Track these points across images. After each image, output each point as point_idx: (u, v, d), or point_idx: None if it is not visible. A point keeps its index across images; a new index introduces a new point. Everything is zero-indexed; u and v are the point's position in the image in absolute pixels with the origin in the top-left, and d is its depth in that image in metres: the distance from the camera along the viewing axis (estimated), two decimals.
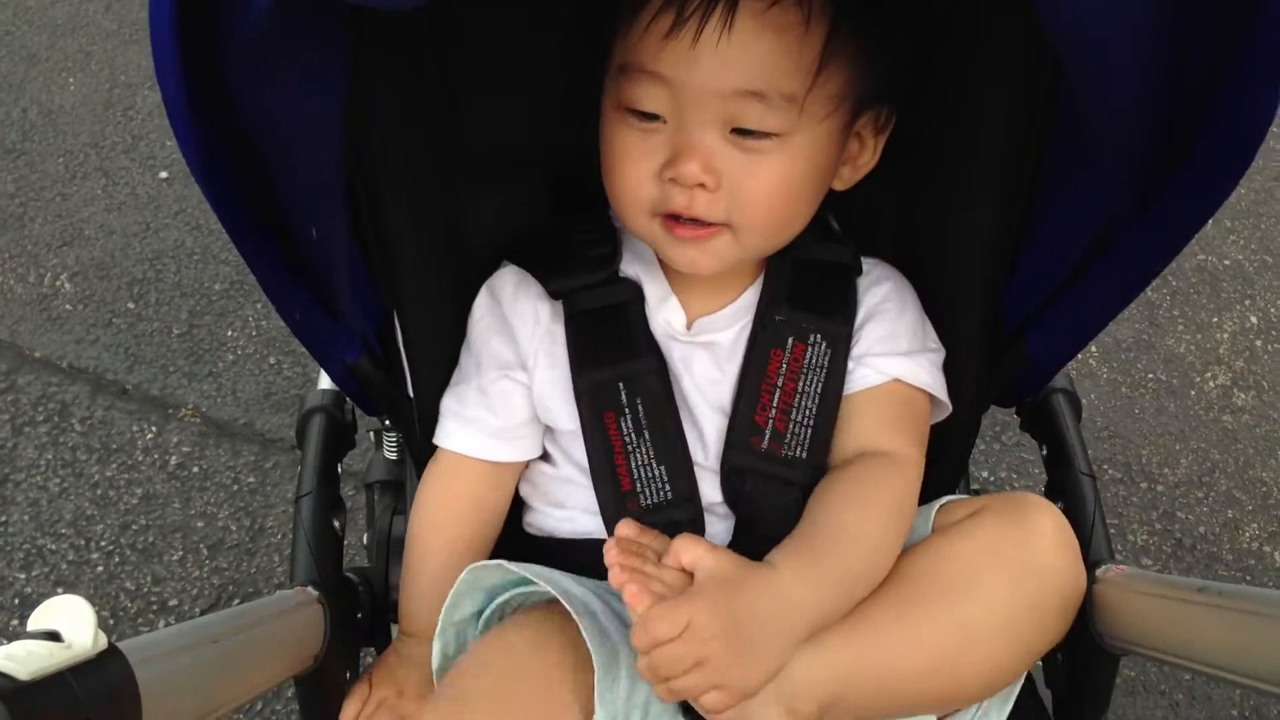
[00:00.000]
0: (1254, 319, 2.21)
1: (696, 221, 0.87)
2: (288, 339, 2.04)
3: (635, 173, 0.88)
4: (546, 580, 0.84)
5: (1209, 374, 2.11)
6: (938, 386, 0.96)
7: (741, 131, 0.84)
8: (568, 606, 0.81)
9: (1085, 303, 0.89)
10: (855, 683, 0.82)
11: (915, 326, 0.97)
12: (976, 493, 1.13)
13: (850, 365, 0.95)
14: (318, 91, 0.71)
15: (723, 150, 0.85)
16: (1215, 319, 2.20)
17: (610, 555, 0.77)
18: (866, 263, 1.00)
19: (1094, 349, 2.11)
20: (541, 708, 0.79)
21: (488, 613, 0.91)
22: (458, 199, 1.01)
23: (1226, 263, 2.30)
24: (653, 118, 0.85)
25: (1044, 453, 1.03)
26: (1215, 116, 0.70)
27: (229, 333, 2.08)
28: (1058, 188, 0.88)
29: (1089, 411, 2.01)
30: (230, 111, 0.70)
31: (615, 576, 0.76)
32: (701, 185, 0.85)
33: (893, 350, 0.95)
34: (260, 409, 1.97)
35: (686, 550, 0.79)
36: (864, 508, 0.86)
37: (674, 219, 0.88)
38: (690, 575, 0.78)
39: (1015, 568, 0.82)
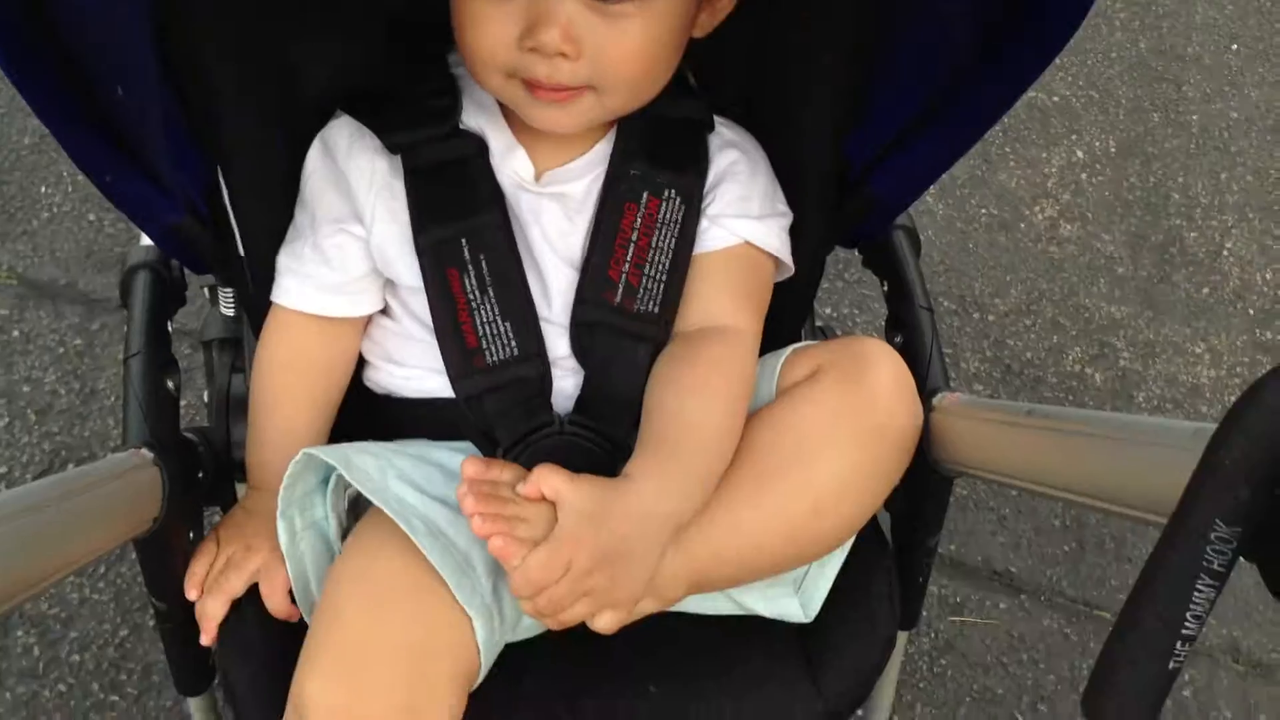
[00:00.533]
0: (1080, 153, 2.28)
1: (560, 87, 0.85)
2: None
3: (490, 41, 0.84)
4: (379, 496, 0.82)
5: (1037, 207, 2.19)
6: (784, 251, 0.97)
7: None
8: (404, 527, 0.79)
9: (930, 147, 0.90)
10: (716, 563, 0.85)
11: (767, 190, 0.97)
12: (821, 330, 1.16)
13: (704, 224, 0.94)
14: None
15: (583, 16, 0.82)
16: (1044, 154, 2.27)
17: (466, 505, 0.76)
18: (719, 121, 0.99)
19: (932, 188, 2.15)
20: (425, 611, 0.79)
21: (333, 481, 0.90)
22: (286, 50, 0.94)
23: (1055, 99, 2.36)
24: None
25: (884, 288, 1.06)
26: None
27: (42, 189, 1.94)
28: (904, 31, 0.87)
29: (927, 247, 2.05)
30: None
31: (478, 528, 0.75)
32: (563, 54, 0.82)
33: (745, 213, 0.95)
34: (82, 268, 1.85)
35: (546, 481, 0.78)
36: (706, 397, 0.87)
37: (534, 83, 0.85)
38: (551, 505, 0.78)
39: (859, 432, 0.85)
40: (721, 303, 0.93)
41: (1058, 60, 2.35)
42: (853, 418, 0.85)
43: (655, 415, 0.87)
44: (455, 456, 0.89)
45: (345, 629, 0.78)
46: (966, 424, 0.89)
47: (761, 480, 0.85)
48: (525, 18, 0.82)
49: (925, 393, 0.92)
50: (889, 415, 0.86)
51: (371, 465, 0.86)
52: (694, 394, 0.87)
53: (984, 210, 2.17)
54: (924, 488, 0.94)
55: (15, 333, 1.77)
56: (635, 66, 0.86)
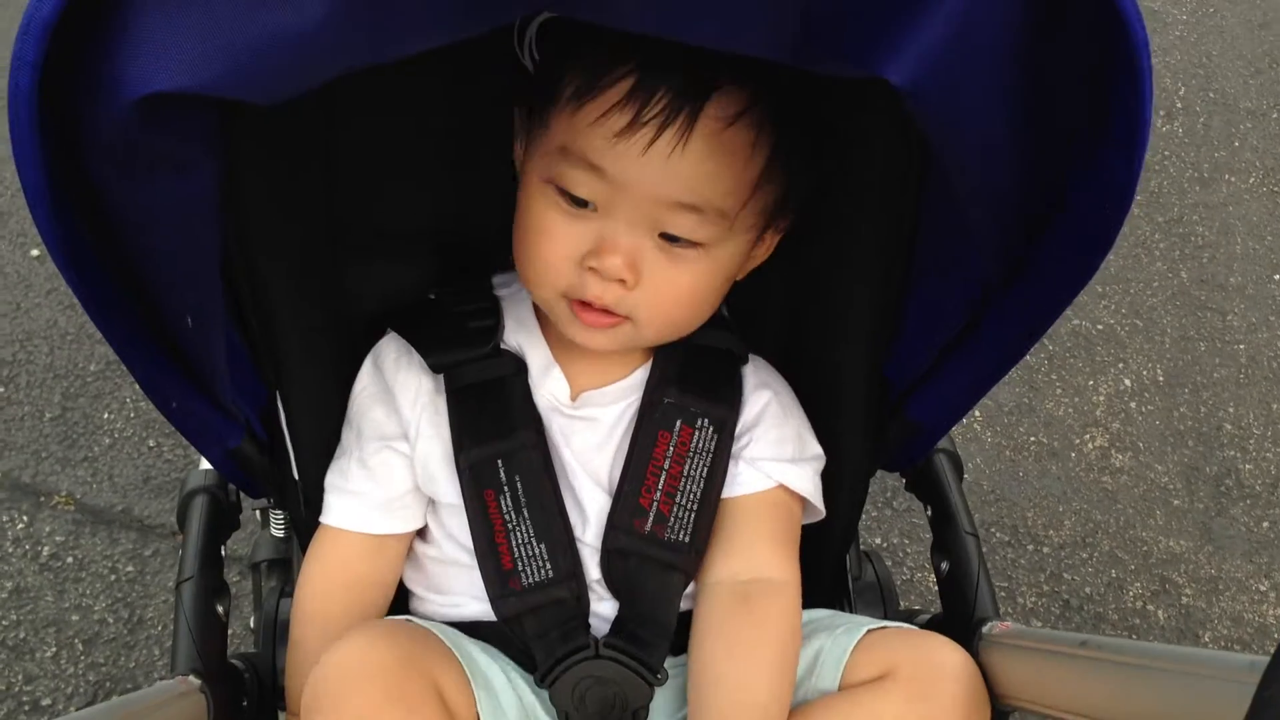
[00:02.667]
0: (1127, 381, 2.27)
1: (604, 311, 0.88)
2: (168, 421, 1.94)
3: (555, 254, 0.88)
4: (446, 638, 0.84)
5: (1087, 436, 2.16)
6: (817, 496, 0.98)
7: (669, 237, 0.86)
8: (469, 673, 0.81)
9: (965, 372, 0.91)
10: None
11: (799, 433, 1.00)
12: (866, 555, 1.15)
13: (742, 467, 0.96)
14: (187, 180, 0.69)
15: (648, 251, 0.86)
16: (1091, 382, 2.25)
17: None
18: (752, 360, 1.02)
19: (977, 414, 2.15)
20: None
21: None
22: (340, 275, 1.00)
23: (1099, 327, 2.35)
24: (583, 203, 0.86)
25: (929, 513, 1.06)
26: (1077, 197, 0.74)
27: (105, 415, 2.00)
28: (934, 262, 0.91)
29: (975, 475, 2.05)
30: (96, 201, 0.68)
31: None
32: (621, 281, 0.86)
33: (780, 456, 0.97)
34: (139, 494, 1.88)
35: None
36: (759, 663, 0.87)
37: (583, 304, 0.89)
38: None
39: None
40: (770, 556, 0.94)
41: (1099, 288, 2.34)
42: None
43: (711, 680, 0.87)
44: (499, 657, 0.90)
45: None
46: (1019, 655, 0.87)
47: None
48: (594, 239, 0.86)
49: (974, 621, 0.91)
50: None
51: (445, 631, 0.87)
52: (754, 661, 0.87)
53: (1033, 438, 2.14)
54: None
55: (69, 559, 1.78)
56: (680, 306, 0.90)
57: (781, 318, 1.05)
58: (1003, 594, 1.89)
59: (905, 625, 0.93)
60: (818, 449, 1.00)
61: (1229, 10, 3.07)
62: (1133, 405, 2.23)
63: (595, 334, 0.90)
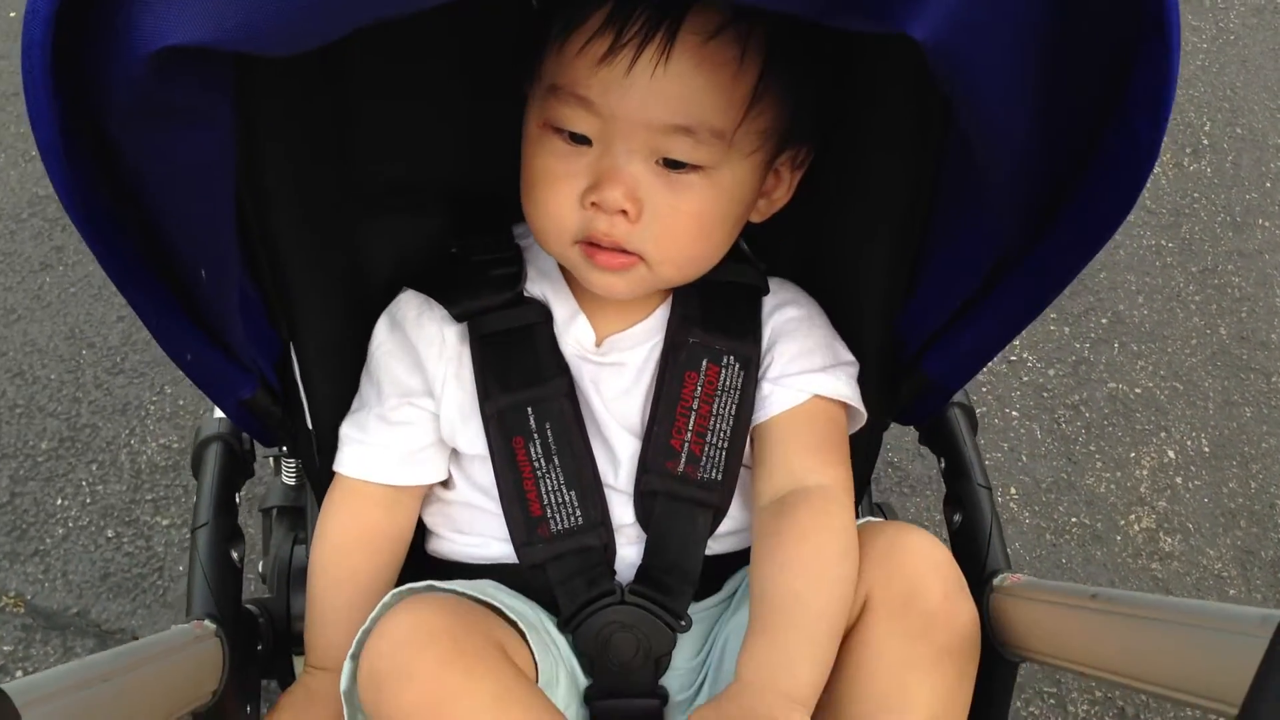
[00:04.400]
0: (1171, 453, 2.09)
1: (616, 249, 0.88)
2: (128, 506, 1.79)
3: (557, 196, 0.87)
4: (481, 593, 0.84)
5: (1133, 516, 1.99)
6: (855, 397, 0.97)
7: (668, 162, 0.85)
8: (517, 620, 0.82)
9: (982, 329, 0.91)
10: None
11: (827, 340, 0.99)
12: (879, 507, 1.15)
13: (768, 389, 0.96)
14: (203, 134, 0.69)
15: (647, 180, 0.85)
16: (1133, 454, 2.08)
17: None
18: (772, 282, 1.01)
19: (1014, 491, 1.99)
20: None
21: None
22: (355, 228, 0.99)
23: (1138, 390, 2.17)
24: (580, 140, 0.85)
25: (942, 466, 1.06)
26: (1099, 160, 0.73)
27: (58, 501, 1.79)
28: (952, 223, 0.90)
29: (1015, 562, 1.70)
30: (110, 155, 0.68)
31: None
32: (623, 212, 0.85)
33: (808, 367, 0.96)
34: (96, 594, 1.67)
35: None
36: (810, 573, 0.84)
37: (593, 245, 0.88)
38: None
39: (932, 661, 0.81)
40: (807, 462, 0.93)
41: (1135, 347, 2.20)
42: (918, 646, 0.81)
43: (762, 599, 0.85)
44: (527, 601, 0.91)
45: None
46: (1029, 606, 0.87)
47: None
48: (592, 174, 0.86)
49: (985, 573, 0.91)
50: (952, 627, 0.82)
51: (473, 585, 0.87)
52: (798, 572, 0.85)
53: (1074, 519, 1.96)
54: (988, 672, 0.91)
55: (19, 672, 1.58)
56: (689, 237, 0.89)
57: (797, 267, 1.05)
58: (1051, 701, 1.73)
59: (870, 519, 0.92)
60: (849, 355, 0.99)
61: (1250, 38, 2.94)
62: (1179, 480, 2.06)
63: (612, 278, 0.90)
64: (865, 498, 1.12)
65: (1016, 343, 2.16)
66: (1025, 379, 2.17)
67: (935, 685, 0.81)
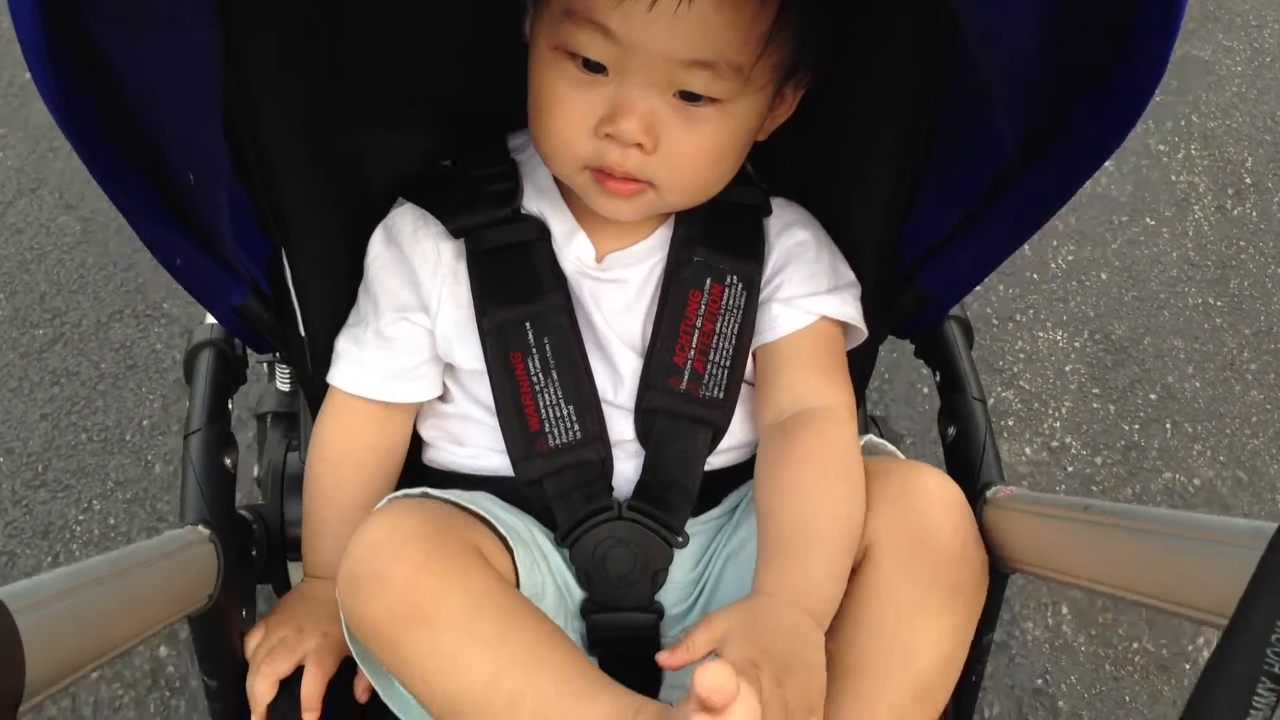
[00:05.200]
0: None
1: (627, 179, 0.87)
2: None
3: (570, 124, 0.86)
4: (473, 504, 0.85)
5: (1201, 640, 1.73)
6: (859, 318, 0.98)
7: (684, 95, 0.83)
8: (504, 532, 0.83)
9: (980, 244, 0.90)
10: None
11: (833, 263, 0.99)
12: (874, 420, 1.15)
13: (777, 309, 0.95)
14: (187, 37, 0.67)
15: (663, 112, 0.84)
16: None
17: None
18: (775, 203, 1.01)
19: (1066, 611, 1.75)
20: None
21: None
22: (349, 137, 0.98)
23: (1196, 482, 1.95)
24: (596, 69, 0.83)
25: (937, 379, 1.05)
26: (1106, 74, 0.72)
27: None
28: (953, 136, 0.89)
29: (1072, 703, 1.67)
30: (95, 59, 0.66)
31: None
32: (638, 145, 0.84)
33: (816, 290, 0.96)
34: None
35: (702, 637, 0.77)
36: (816, 493, 0.85)
37: (603, 173, 0.87)
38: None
39: (940, 598, 0.82)
40: (811, 383, 0.94)
41: (1190, 428, 2.00)
42: (929, 589, 0.82)
43: (770, 522, 0.86)
44: (522, 515, 0.91)
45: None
46: (1021, 518, 0.87)
47: (865, 690, 0.82)
48: (608, 105, 0.84)
49: (979, 485, 0.91)
50: (964, 566, 0.83)
51: (465, 496, 0.88)
52: (803, 494, 0.86)
53: (1135, 645, 1.72)
54: None
55: None
56: (701, 168, 0.88)
57: (799, 177, 1.04)
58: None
59: (876, 455, 0.92)
60: (851, 275, 0.99)
61: None
62: None
63: (620, 203, 0.89)
64: (861, 410, 1.12)
65: (1058, 425, 1.98)
66: (1070, 468, 1.94)
67: (944, 626, 0.82)
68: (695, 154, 0.87)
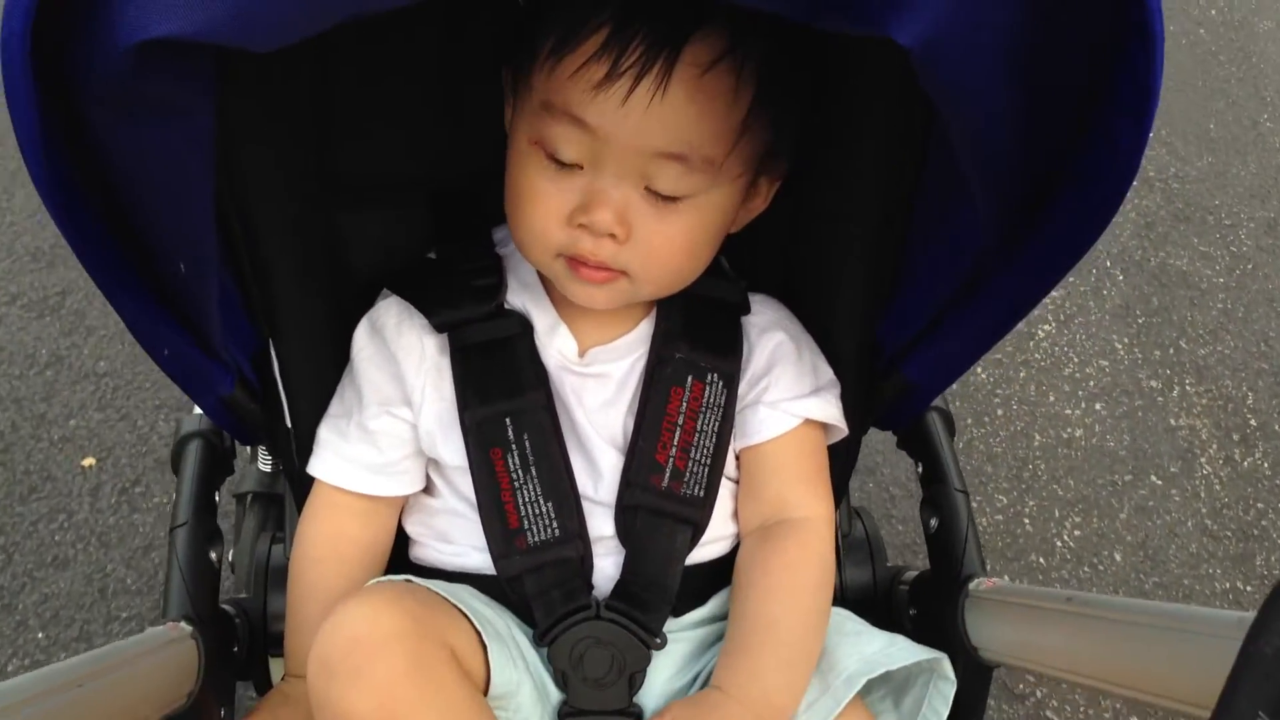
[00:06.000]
0: None
1: (600, 267, 0.88)
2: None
3: (545, 214, 0.87)
4: (452, 596, 0.84)
5: None
6: (840, 418, 0.99)
7: (657, 189, 0.85)
8: (481, 629, 0.82)
9: (962, 333, 0.91)
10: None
11: (814, 363, 1.00)
12: (857, 512, 1.15)
13: (764, 412, 0.96)
14: (182, 126, 0.69)
15: (636, 204, 0.86)
16: None
17: None
18: (754, 300, 1.02)
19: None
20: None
21: None
22: (336, 225, 0.99)
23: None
24: (570, 165, 0.85)
25: (919, 470, 1.06)
26: (1080, 164, 0.73)
27: None
28: (931, 228, 0.91)
29: None
30: (89, 147, 0.68)
31: None
32: (612, 235, 0.86)
33: (799, 392, 0.97)
34: None
35: None
36: (787, 597, 0.90)
37: (577, 260, 0.88)
38: None
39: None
40: (796, 492, 0.96)
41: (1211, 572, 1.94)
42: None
43: (740, 621, 0.90)
44: (502, 611, 0.91)
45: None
46: (1005, 611, 0.88)
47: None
48: (582, 195, 0.86)
49: (961, 578, 0.91)
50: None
51: (446, 588, 0.87)
52: (777, 599, 0.90)
53: None
54: (963, 676, 0.92)
55: None
56: (674, 258, 0.90)
57: (777, 272, 1.05)
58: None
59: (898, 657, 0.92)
60: (831, 374, 1.00)
61: (1272, 265, 2.54)
62: None
63: (594, 290, 0.90)
64: (844, 501, 1.13)
65: None
66: None
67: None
68: (668, 245, 0.88)
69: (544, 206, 0.87)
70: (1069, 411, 2.21)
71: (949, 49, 0.62)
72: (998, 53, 0.64)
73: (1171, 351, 2.35)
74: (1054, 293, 2.18)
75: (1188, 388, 2.29)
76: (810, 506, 0.95)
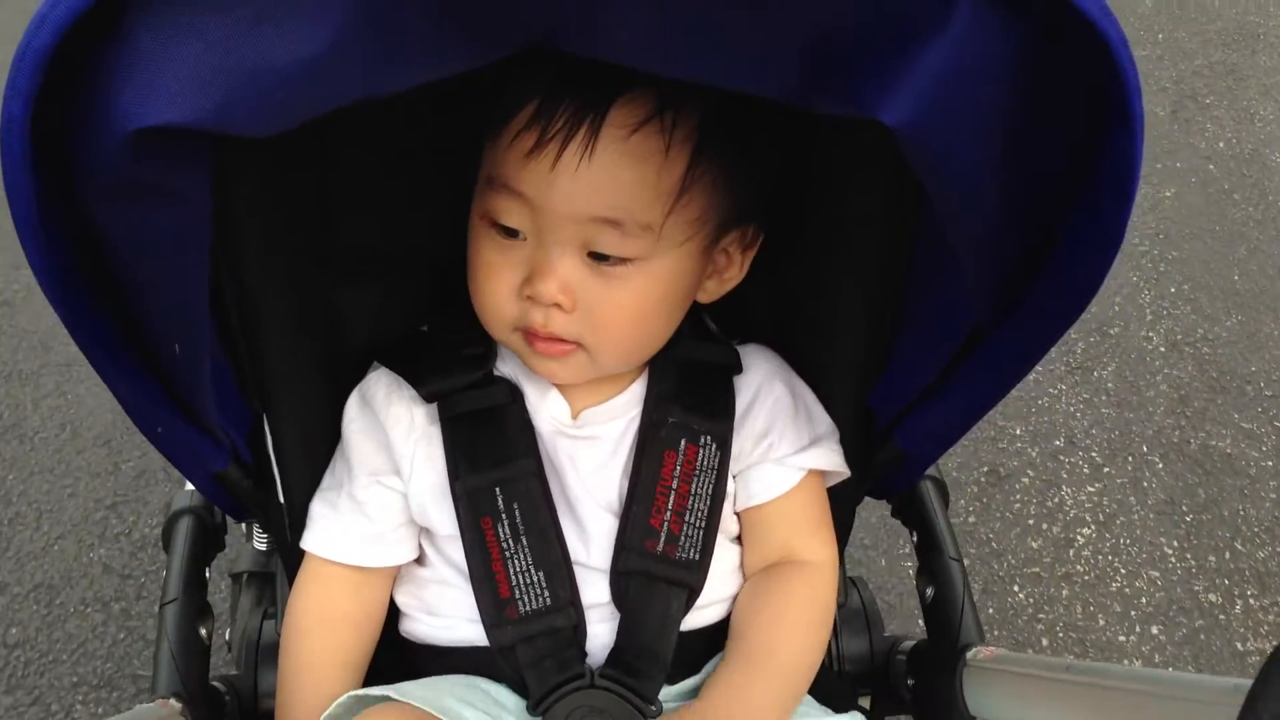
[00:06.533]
0: None
1: (553, 339, 0.89)
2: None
3: (496, 286, 0.89)
4: (437, 708, 0.82)
5: None
6: (842, 463, 1.00)
7: (598, 255, 0.85)
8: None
9: (955, 402, 0.92)
10: None
11: (813, 412, 1.00)
12: (853, 581, 1.15)
13: (772, 470, 0.97)
14: (179, 211, 0.69)
15: (580, 272, 0.86)
16: None
17: None
18: (745, 352, 1.02)
19: None
20: None
21: None
22: (330, 299, 0.99)
23: None
24: (514, 233, 0.87)
25: (914, 539, 1.06)
26: (1067, 238, 0.75)
27: None
28: (922, 300, 0.92)
29: None
30: (86, 230, 0.68)
31: None
32: (557, 305, 0.86)
33: (800, 445, 0.97)
34: None
35: None
36: (785, 628, 0.93)
37: (532, 333, 0.89)
38: None
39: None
40: (803, 539, 0.97)
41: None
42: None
43: (738, 643, 0.92)
44: (498, 688, 0.90)
45: None
46: (1004, 680, 0.87)
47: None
48: (527, 266, 0.87)
49: (959, 646, 0.91)
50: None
51: (422, 690, 0.85)
52: (777, 628, 0.92)
53: None
54: None
55: None
56: (626, 326, 0.89)
57: (766, 343, 1.05)
58: None
59: None
60: (828, 419, 1.01)
61: None
62: None
63: (552, 364, 0.91)
64: (840, 571, 1.12)
65: None
66: None
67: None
68: (616, 313, 0.88)
69: (495, 279, 0.88)
70: (1123, 639, 1.94)
71: (934, 130, 0.63)
72: (983, 134, 0.65)
73: (1228, 556, 2.08)
74: (1089, 487, 2.15)
75: (1250, 601, 2.01)
76: (818, 551, 0.97)
